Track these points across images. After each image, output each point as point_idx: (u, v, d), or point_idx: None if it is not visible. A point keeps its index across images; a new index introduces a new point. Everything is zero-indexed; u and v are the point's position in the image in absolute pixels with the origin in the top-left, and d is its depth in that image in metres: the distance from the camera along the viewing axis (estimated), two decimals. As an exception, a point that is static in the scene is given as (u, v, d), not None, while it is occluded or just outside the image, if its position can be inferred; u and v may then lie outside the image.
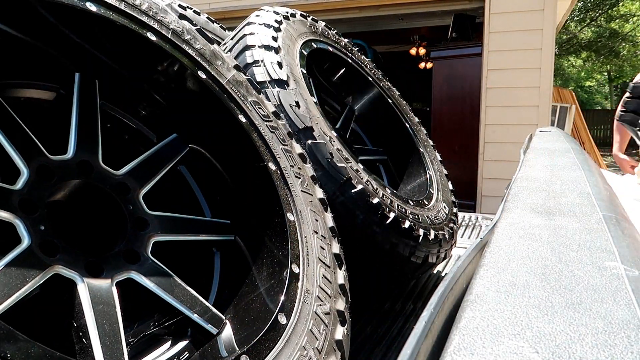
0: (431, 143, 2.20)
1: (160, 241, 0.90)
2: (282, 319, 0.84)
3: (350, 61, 2.02)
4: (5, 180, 0.74)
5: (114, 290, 0.77)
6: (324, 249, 1.04)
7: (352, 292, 1.07)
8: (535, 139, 1.39)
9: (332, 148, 1.33)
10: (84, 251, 0.77)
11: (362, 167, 1.43)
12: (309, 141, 1.29)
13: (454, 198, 1.94)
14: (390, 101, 2.13)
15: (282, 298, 0.87)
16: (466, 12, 6.09)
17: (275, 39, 1.48)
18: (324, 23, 1.99)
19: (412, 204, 1.58)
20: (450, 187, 2.00)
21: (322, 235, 1.06)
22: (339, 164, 1.30)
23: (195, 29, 1.08)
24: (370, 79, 2.11)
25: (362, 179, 1.36)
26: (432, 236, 1.52)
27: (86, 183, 0.86)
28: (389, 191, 1.48)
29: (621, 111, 2.59)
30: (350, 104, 2.10)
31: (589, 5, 17.36)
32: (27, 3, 0.79)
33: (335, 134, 1.41)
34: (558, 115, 8.17)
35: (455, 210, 1.87)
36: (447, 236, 1.63)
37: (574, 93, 9.60)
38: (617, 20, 17.67)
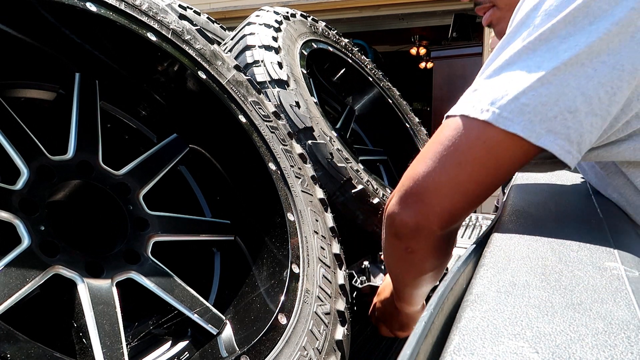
0: (431, 143, 2.19)
1: (160, 241, 0.90)
2: (282, 319, 0.84)
3: (350, 61, 2.02)
4: (5, 181, 0.74)
5: (114, 290, 0.77)
6: (324, 249, 1.04)
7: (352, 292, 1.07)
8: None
9: (333, 148, 1.33)
10: (84, 251, 0.77)
11: (362, 167, 1.43)
12: (309, 141, 1.29)
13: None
14: (391, 101, 2.13)
15: (282, 298, 0.87)
16: (466, 11, 6.09)
17: (275, 39, 1.48)
18: (324, 23, 1.99)
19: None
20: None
21: (322, 236, 1.06)
22: (339, 164, 1.30)
23: (196, 29, 1.08)
24: (371, 79, 2.11)
25: (362, 179, 1.36)
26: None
27: (86, 183, 0.86)
28: (389, 191, 1.48)
29: None
30: (351, 104, 2.10)
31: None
32: (27, 3, 0.79)
33: (336, 134, 1.41)
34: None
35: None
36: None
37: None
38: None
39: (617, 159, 0.66)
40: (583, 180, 0.91)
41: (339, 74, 2.09)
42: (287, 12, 1.72)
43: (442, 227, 0.61)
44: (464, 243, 2.13)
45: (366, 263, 1.27)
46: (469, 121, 0.57)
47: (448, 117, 0.61)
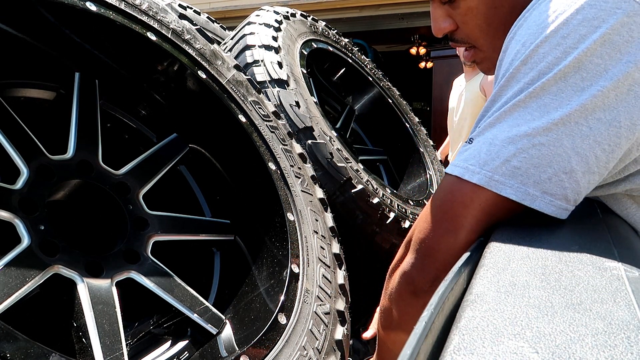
0: (431, 143, 2.20)
1: (160, 241, 0.90)
2: (282, 319, 0.84)
3: (350, 61, 2.02)
4: (5, 180, 0.74)
5: (114, 290, 0.77)
6: (324, 248, 1.04)
7: (352, 292, 1.07)
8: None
9: (332, 148, 1.33)
10: (84, 251, 0.77)
11: (362, 166, 1.43)
12: (309, 141, 1.29)
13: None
14: (391, 101, 2.13)
15: (282, 298, 0.87)
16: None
17: (275, 38, 1.48)
18: (324, 23, 1.99)
19: (412, 204, 1.58)
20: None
21: (322, 235, 1.06)
22: (339, 164, 1.30)
23: (196, 29, 1.08)
24: (371, 79, 2.11)
25: (362, 178, 1.36)
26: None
27: (86, 183, 0.86)
28: (389, 191, 1.48)
29: None
30: (351, 103, 2.10)
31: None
32: (27, 3, 0.79)
33: (336, 134, 1.41)
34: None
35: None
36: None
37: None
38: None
39: (613, 193, 0.66)
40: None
41: (339, 73, 2.09)
42: (287, 12, 1.72)
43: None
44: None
45: (351, 342, 1.26)
46: (463, 184, 0.58)
47: (447, 174, 0.62)
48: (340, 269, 1.06)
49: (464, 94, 3.16)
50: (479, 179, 0.56)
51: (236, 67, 1.14)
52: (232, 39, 1.52)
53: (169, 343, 0.86)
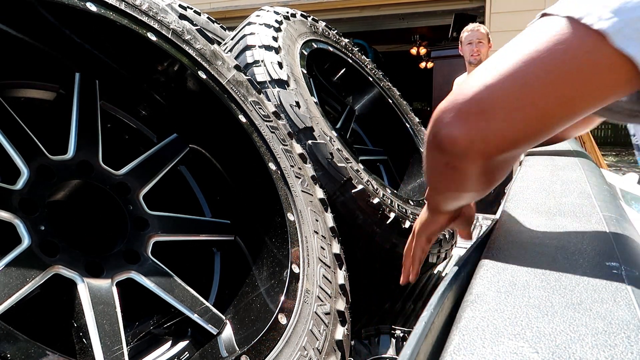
0: (432, 143, 2.19)
1: (160, 241, 0.90)
2: (282, 319, 0.84)
3: (350, 61, 2.02)
4: (6, 180, 0.74)
5: (114, 290, 0.77)
6: (324, 249, 1.04)
7: (352, 292, 1.07)
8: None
9: (333, 148, 1.33)
10: (84, 251, 0.77)
11: (362, 167, 1.43)
12: (309, 141, 1.29)
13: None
14: (391, 101, 2.12)
15: (282, 298, 0.87)
16: (467, 11, 6.09)
17: (275, 39, 1.48)
18: (324, 23, 1.99)
19: (412, 204, 1.58)
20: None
21: (322, 235, 1.06)
22: (339, 164, 1.30)
23: (196, 29, 1.08)
24: (371, 79, 2.11)
25: (362, 179, 1.36)
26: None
27: (86, 183, 0.86)
28: (390, 191, 1.48)
29: None
30: (351, 104, 2.10)
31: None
32: (27, 3, 0.79)
33: (336, 134, 1.41)
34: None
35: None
36: (447, 236, 1.63)
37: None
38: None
39: None
40: (584, 180, 0.91)
41: (339, 73, 2.09)
42: (287, 12, 1.72)
43: (501, 150, 0.50)
44: (464, 243, 2.13)
45: (353, 343, 1.25)
46: (577, 26, 0.45)
47: (545, 15, 0.49)
48: (340, 269, 1.06)
49: None
50: (604, 25, 0.43)
51: (236, 67, 1.14)
52: (232, 39, 1.52)
53: (169, 343, 0.86)
